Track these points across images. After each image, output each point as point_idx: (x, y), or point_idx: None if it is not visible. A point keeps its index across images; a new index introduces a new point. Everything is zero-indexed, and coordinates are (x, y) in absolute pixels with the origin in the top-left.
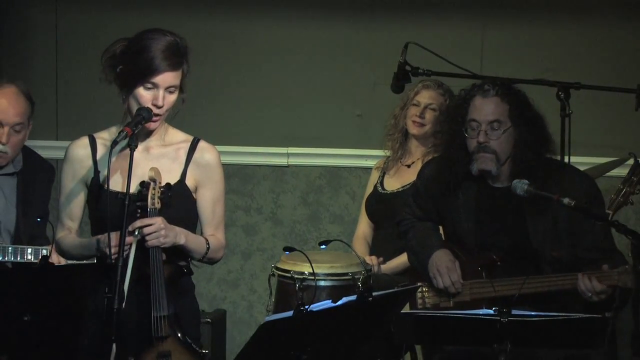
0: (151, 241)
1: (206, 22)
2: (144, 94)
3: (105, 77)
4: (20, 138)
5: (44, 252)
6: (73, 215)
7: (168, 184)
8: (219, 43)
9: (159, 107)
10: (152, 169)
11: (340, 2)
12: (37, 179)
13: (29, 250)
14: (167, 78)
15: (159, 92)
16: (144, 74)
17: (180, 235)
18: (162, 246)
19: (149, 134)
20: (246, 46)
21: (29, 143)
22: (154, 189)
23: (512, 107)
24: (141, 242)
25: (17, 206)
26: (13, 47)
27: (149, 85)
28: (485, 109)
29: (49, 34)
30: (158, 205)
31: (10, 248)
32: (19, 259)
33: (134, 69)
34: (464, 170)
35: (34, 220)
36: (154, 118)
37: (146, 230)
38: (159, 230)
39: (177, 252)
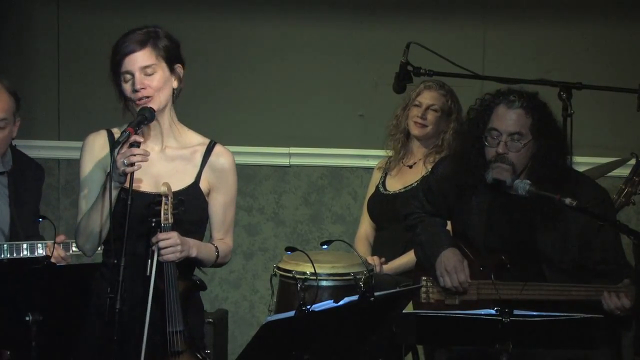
0: (167, 256)
1: (207, 21)
2: (125, 86)
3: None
4: (5, 135)
5: (39, 247)
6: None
7: (180, 199)
8: (221, 43)
9: (138, 91)
10: (164, 184)
11: (342, 1)
12: (27, 178)
13: (25, 246)
14: (135, 58)
15: (135, 77)
16: (115, 66)
17: (192, 248)
18: (176, 261)
19: (161, 133)
20: (248, 46)
21: (30, 143)
22: (166, 204)
23: (534, 121)
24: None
25: (11, 205)
26: (15, 46)
27: (127, 77)
28: (508, 120)
29: (50, 33)
30: (171, 221)
31: (5, 245)
32: (14, 255)
33: (111, 68)
34: (480, 175)
35: (33, 220)
36: (140, 100)
37: (162, 244)
38: (175, 245)
39: (187, 262)
